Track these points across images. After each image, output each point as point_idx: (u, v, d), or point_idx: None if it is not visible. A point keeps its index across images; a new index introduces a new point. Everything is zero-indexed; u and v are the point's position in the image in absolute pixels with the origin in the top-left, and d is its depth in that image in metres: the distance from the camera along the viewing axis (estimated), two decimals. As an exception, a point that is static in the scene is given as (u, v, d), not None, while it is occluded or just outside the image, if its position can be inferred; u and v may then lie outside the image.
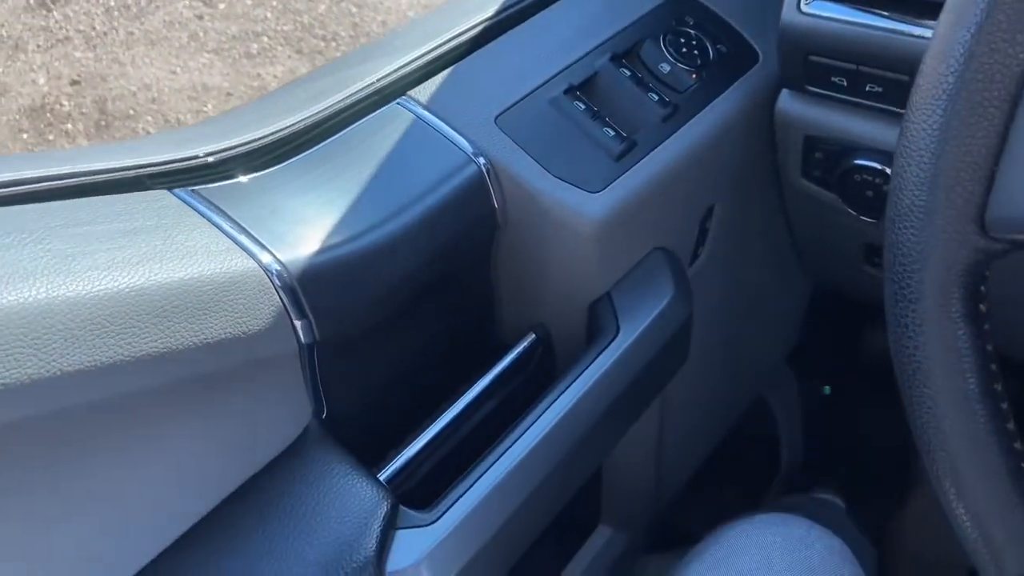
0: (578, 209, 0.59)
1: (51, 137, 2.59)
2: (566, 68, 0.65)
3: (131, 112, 2.68)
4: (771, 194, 0.78)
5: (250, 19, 2.93)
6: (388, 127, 0.59)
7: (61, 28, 2.91)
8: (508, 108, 0.62)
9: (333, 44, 2.88)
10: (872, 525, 1.02)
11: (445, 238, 0.56)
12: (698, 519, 1.03)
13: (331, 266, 0.50)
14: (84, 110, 2.68)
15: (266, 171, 0.53)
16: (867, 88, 0.63)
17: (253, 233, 0.48)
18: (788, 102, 0.69)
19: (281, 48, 2.86)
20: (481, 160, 0.59)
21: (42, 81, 2.75)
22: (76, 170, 0.46)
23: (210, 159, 0.50)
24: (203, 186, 0.50)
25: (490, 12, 0.67)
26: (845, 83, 0.64)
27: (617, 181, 0.61)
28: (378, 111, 0.60)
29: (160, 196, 0.48)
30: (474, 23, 0.66)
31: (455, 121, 0.60)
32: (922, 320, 0.38)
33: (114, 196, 0.47)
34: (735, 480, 1.12)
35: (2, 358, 0.37)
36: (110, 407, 0.43)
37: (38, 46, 2.84)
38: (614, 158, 0.62)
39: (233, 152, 0.51)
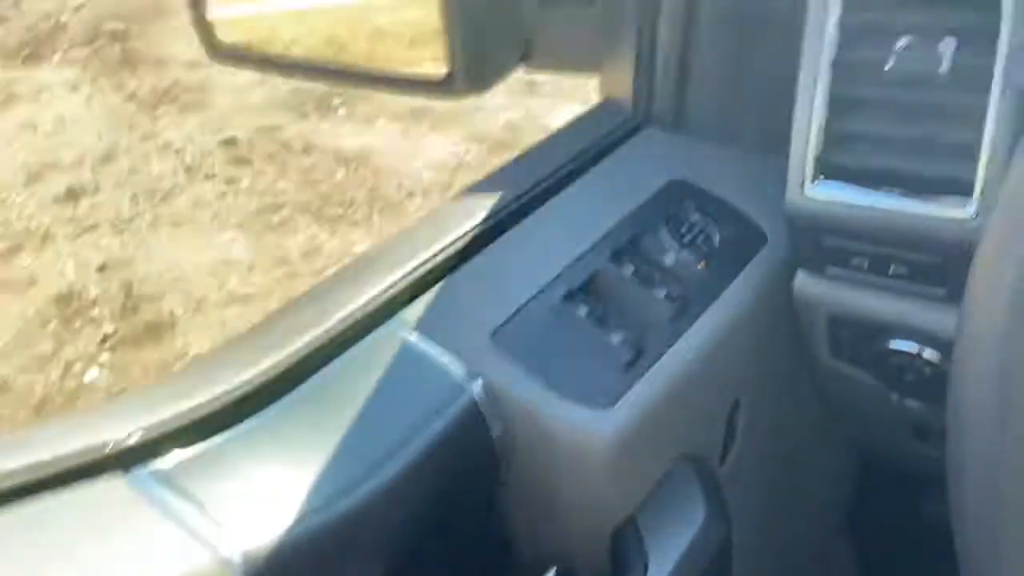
0: (588, 429, 0.54)
1: (77, 324, 2.61)
2: (564, 271, 0.61)
3: (156, 293, 2.70)
4: (801, 375, 0.72)
5: (271, 193, 2.99)
6: (372, 360, 0.54)
7: (88, 217, 2.98)
8: (505, 322, 0.58)
9: (351, 209, 2.93)
10: None
11: (438, 486, 0.51)
12: None
13: (296, 547, 0.44)
14: (110, 295, 2.71)
15: (232, 432, 0.48)
16: (891, 270, 0.57)
17: (216, 517, 0.43)
18: (806, 283, 0.64)
19: (301, 217, 2.90)
20: (476, 385, 0.54)
21: (70, 269, 2.80)
22: (21, 465, 0.42)
23: (169, 428, 0.46)
24: (163, 463, 0.45)
25: (478, 219, 0.63)
26: (866, 265, 0.58)
27: (629, 392, 0.56)
28: (361, 342, 0.55)
29: (113, 487, 0.43)
30: (463, 232, 0.62)
31: (447, 342, 0.56)
32: None
33: (60, 493, 0.42)
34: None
35: None
36: None
37: (66, 236, 2.91)
38: (623, 367, 0.56)
39: (190, 418, 0.46)
